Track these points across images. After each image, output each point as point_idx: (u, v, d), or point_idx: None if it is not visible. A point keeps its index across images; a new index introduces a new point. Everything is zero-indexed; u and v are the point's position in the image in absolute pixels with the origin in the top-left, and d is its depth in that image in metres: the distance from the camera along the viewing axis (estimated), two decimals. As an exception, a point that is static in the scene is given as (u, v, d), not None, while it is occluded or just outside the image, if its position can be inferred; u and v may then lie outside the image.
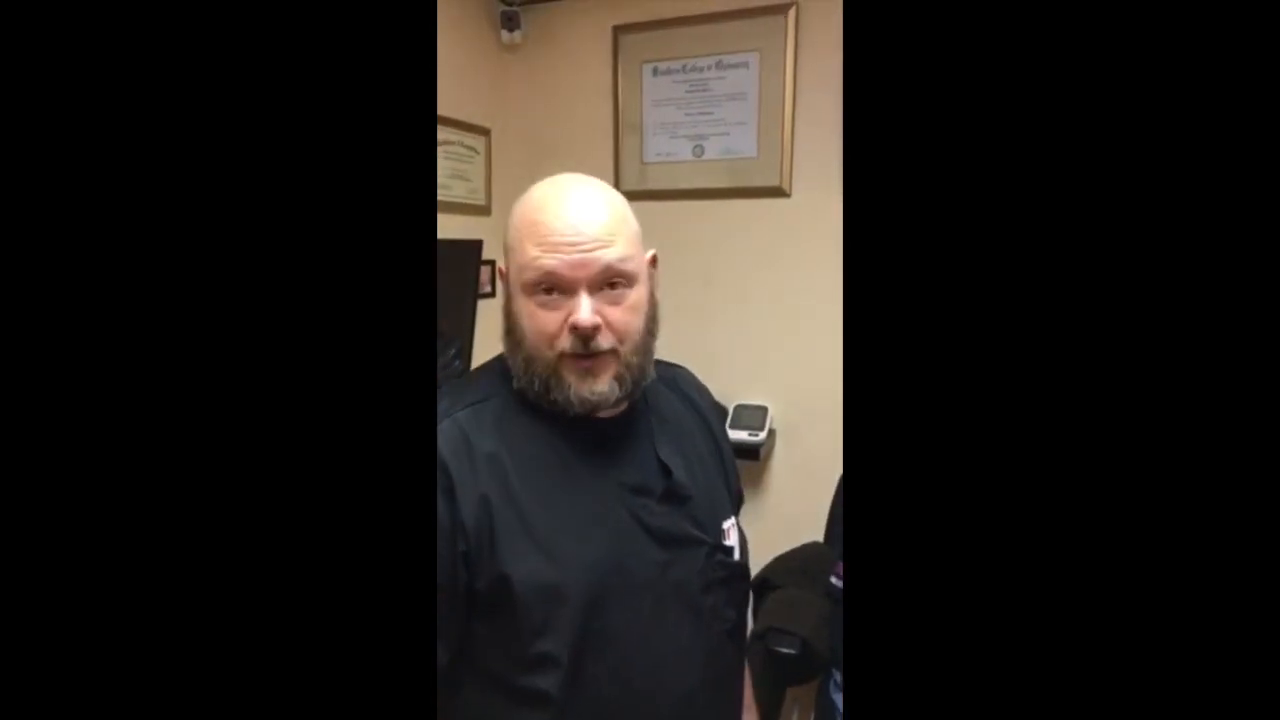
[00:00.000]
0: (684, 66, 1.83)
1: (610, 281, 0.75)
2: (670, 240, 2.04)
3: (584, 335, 0.74)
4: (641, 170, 1.90)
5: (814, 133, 1.72)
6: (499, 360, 0.83)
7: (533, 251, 0.74)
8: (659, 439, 0.83)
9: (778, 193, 1.77)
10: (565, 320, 0.74)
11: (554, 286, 0.74)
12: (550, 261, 0.74)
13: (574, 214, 0.75)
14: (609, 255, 0.74)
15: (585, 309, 0.74)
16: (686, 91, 1.84)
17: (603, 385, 0.77)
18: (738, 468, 0.98)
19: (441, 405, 0.78)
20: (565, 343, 0.75)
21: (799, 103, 1.73)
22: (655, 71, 1.86)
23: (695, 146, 1.84)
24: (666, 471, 0.82)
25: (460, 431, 0.76)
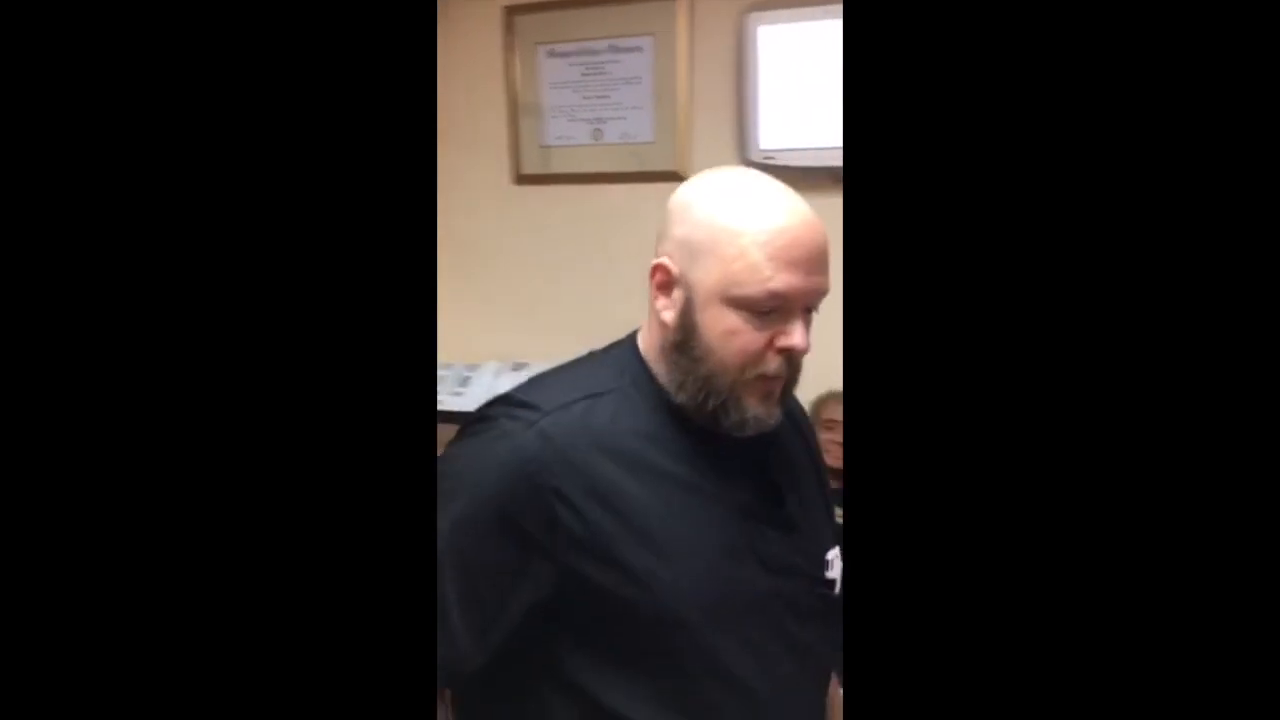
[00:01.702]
0: (579, 49, 1.82)
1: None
2: (572, 225, 2.04)
3: (797, 361, 0.72)
4: (543, 154, 1.88)
5: (711, 116, 1.74)
6: (628, 352, 0.78)
7: (764, 268, 0.68)
8: (772, 461, 0.80)
9: (675, 177, 1.79)
10: (770, 341, 0.70)
11: (776, 308, 0.69)
12: (786, 282, 0.68)
13: (809, 231, 0.70)
14: (828, 282, 0.71)
15: (804, 334, 0.70)
16: (583, 74, 1.82)
17: (778, 409, 0.75)
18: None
19: (553, 393, 0.73)
20: (771, 366, 0.71)
21: (695, 86, 1.75)
22: (551, 54, 1.84)
23: (594, 130, 1.84)
24: (779, 496, 0.79)
25: (579, 424, 0.71)
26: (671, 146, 1.78)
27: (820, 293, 0.72)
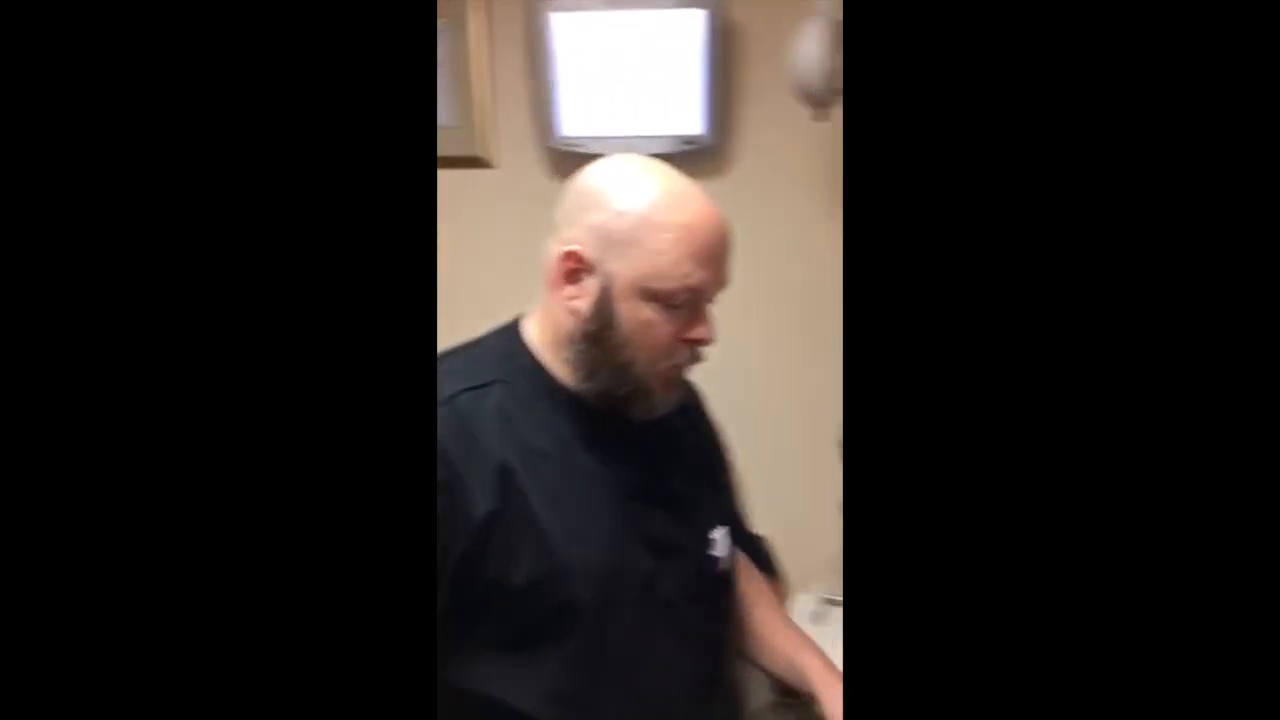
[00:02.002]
0: (369, 28, 1.72)
1: None
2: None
3: (701, 351, 0.74)
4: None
5: (511, 103, 1.73)
6: (509, 341, 0.75)
7: (686, 264, 0.70)
8: (659, 442, 0.81)
9: (478, 163, 1.76)
10: (679, 332, 0.73)
11: (689, 301, 0.72)
12: (702, 278, 0.71)
13: (721, 227, 0.72)
14: (729, 276, 0.74)
15: (712, 326, 0.73)
16: (374, 55, 1.74)
17: (678, 393, 0.78)
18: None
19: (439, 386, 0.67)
20: (682, 356, 0.74)
21: (493, 73, 1.72)
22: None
23: (388, 114, 1.76)
24: (665, 476, 0.80)
25: (462, 418, 0.68)
26: (472, 132, 1.75)
27: (724, 287, 0.75)
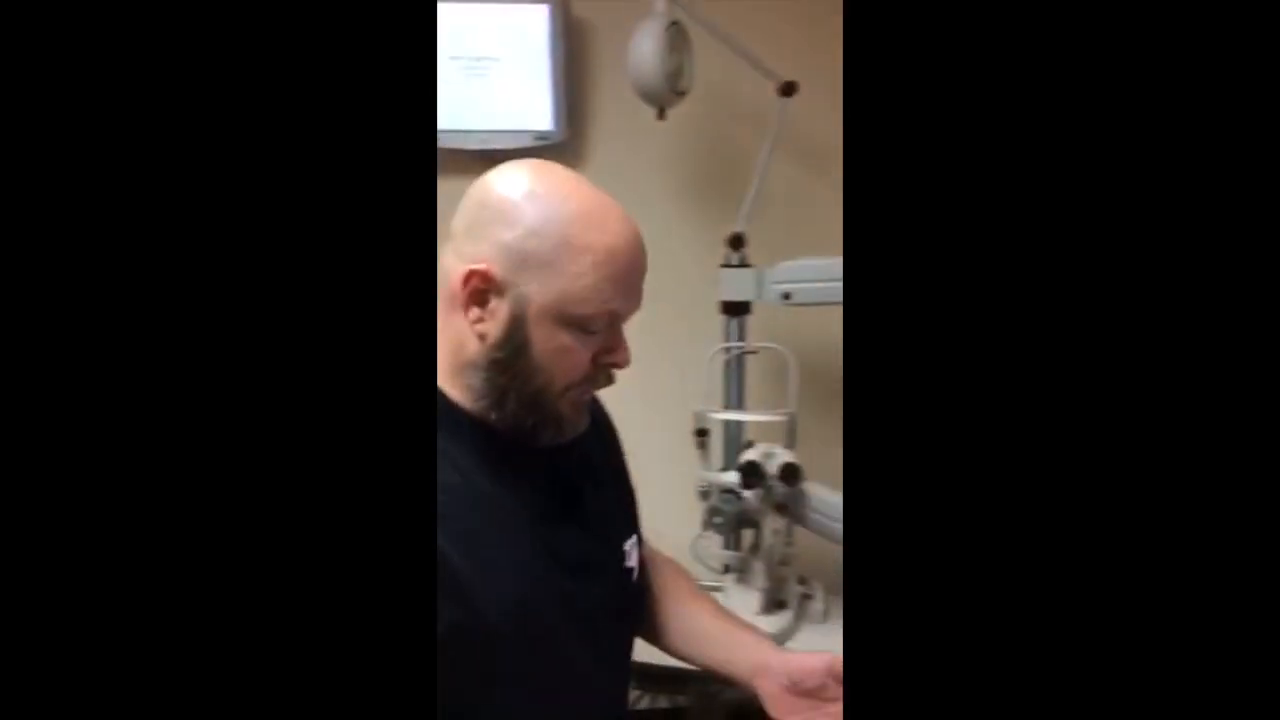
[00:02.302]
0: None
1: None
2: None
3: (614, 374, 0.70)
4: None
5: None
6: None
7: (606, 289, 0.66)
8: (567, 460, 0.77)
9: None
10: (594, 356, 0.69)
11: (606, 325, 0.68)
12: (622, 304, 0.68)
13: (639, 250, 0.69)
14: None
15: (628, 348, 0.70)
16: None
17: (588, 417, 0.74)
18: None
19: None
20: (597, 380, 0.71)
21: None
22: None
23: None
24: (576, 495, 0.76)
25: None
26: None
27: (639, 307, 0.72)
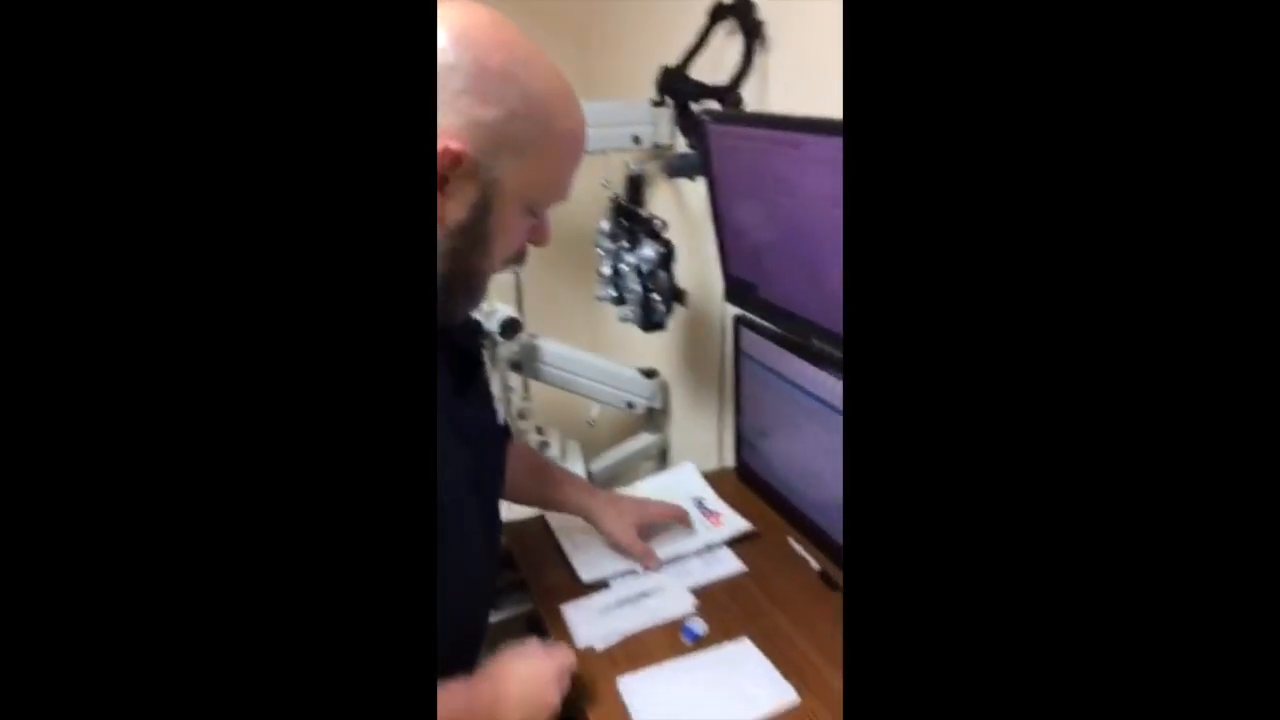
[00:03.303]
0: None
1: None
2: None
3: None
4: None
5: None
6: None
7: (569, 176, 0.64)
8: (467, 331, 0.79)
9: None
10: (527, 236, 0.67)
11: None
12: (570, 187, 0.65)
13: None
14: None
15: (550, 228, 0.68)
16: None
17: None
18: None
19: None
20: (522, 259, 0.69)
21: None
22: None
23: None
24: (474, 364, 0.77)
25: None
26: None
27: None
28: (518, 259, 0.68)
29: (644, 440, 1.65)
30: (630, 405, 1.59)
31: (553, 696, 0.72)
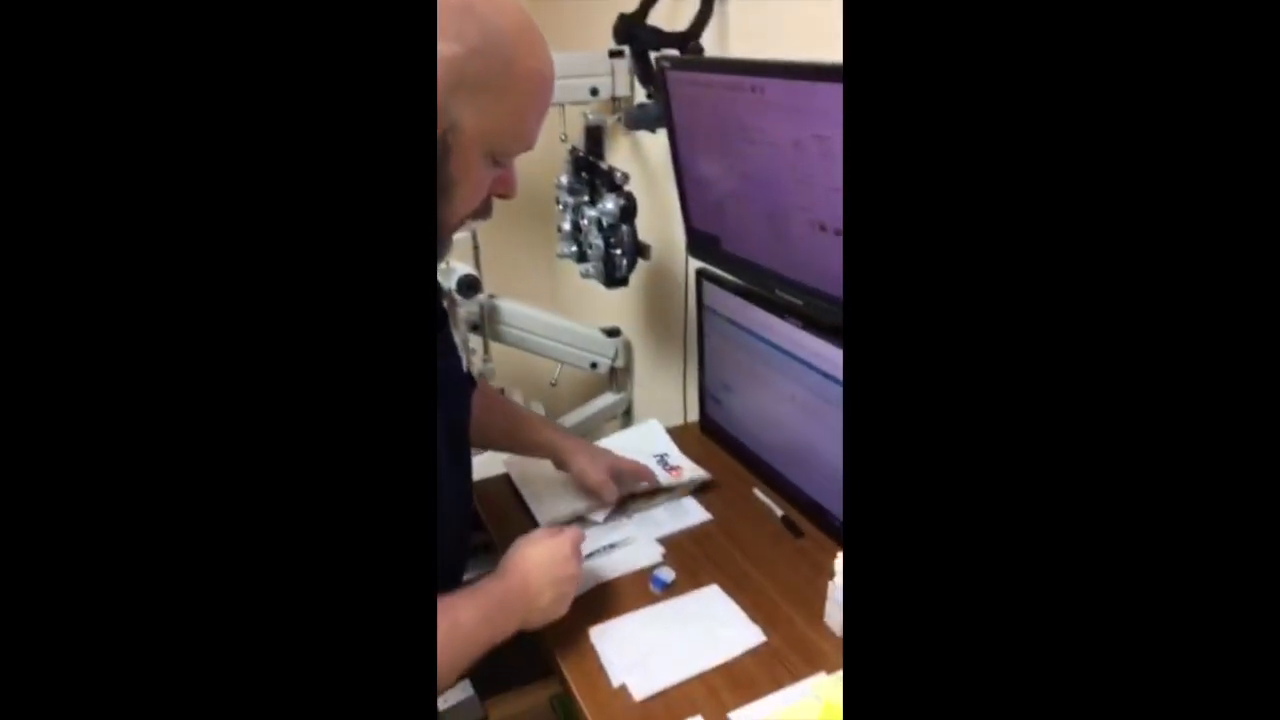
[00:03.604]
0: None
1: None
2: None
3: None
4: None
5: None
6: None
7: (533, 122, 0.61)
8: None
9: None
10: (490, 187, 0.64)
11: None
12: (536, 136, 0.62)
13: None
14: None
15: (517, 179, 0.65)
16: None
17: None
18: None
19: None
20: (480, 211, 0.65)
21: None
22: None
23: None
24: (442, 316, 0.77)
25: None
26: None
27: None
28: (482, 212, 0.65)
29: (608, 399, 1.65)
30: (593, 365, 1.58)
31: (574, 568, 0.77)
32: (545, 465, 1.02)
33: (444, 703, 1.85)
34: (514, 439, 1.01)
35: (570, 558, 0.77)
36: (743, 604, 0.84)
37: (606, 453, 1.02)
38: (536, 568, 0.75)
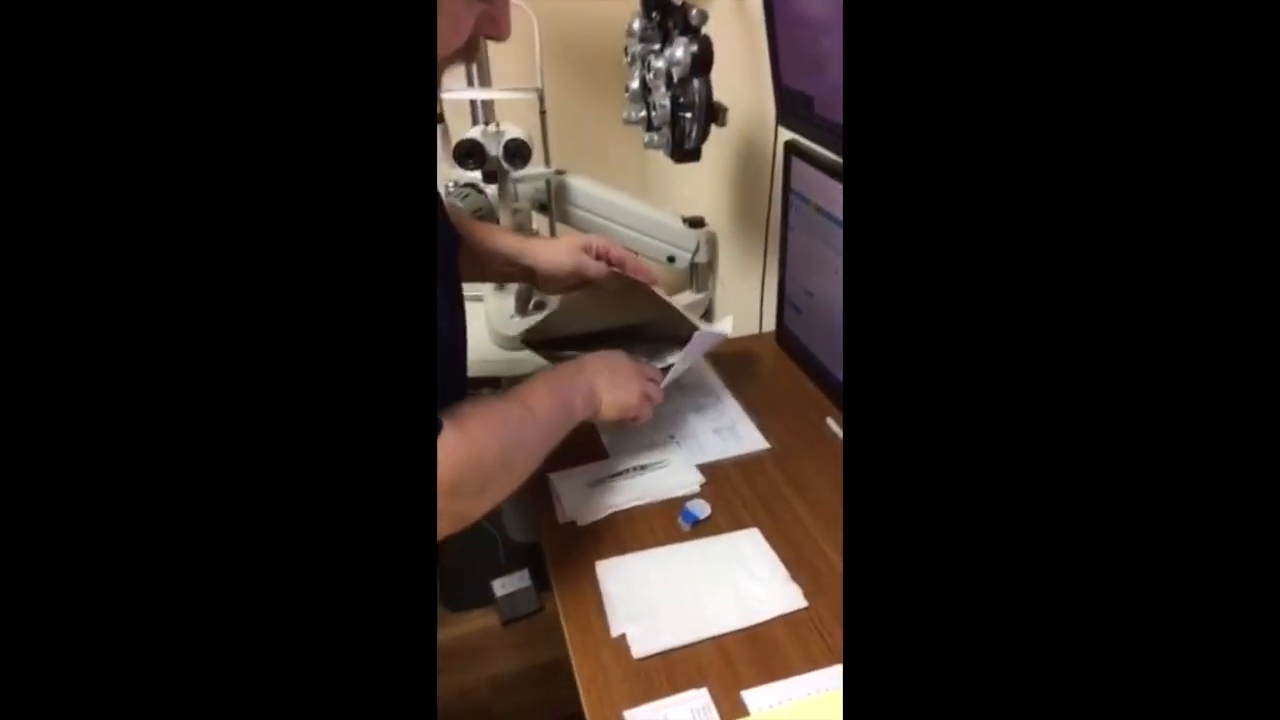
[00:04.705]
0: None
1: None
2: None
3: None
4: None
5: None
6: None
7: None
8: None
9: None
10: (478, 29, 0.61)
11: None
12: None
13: None
14: None
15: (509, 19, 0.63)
16: None
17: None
18: None
19: None
20: (473, 52, 0.63)
21: None
22: None
23: None
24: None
25: None
26: None
27: None
28: (467, 54, 0.62)
29: (686, 299, 1.48)
30: (671, 259, 1.41)
31: (638, 386, 0.78)
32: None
33: (502, 589, 1.83)
34: (479, 267, 0.95)
35: (636, 377, 0.78)
36: (785, 558, 0.68)
37: (573, 235, 0.92)
38: (603, 370, 0.77)
